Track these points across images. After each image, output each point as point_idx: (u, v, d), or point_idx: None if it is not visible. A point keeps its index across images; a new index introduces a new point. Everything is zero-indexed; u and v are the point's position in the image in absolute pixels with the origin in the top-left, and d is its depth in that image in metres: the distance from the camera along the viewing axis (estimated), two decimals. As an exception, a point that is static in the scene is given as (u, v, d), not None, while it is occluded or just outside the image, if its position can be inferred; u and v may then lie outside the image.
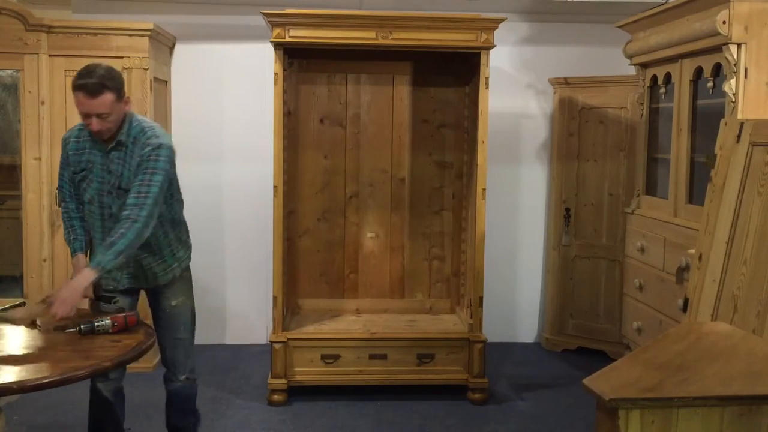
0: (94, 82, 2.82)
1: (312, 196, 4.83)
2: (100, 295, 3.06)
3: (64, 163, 3.11)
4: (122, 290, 3.13)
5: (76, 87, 2.84)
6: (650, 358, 2.23)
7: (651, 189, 4.22)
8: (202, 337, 5.29)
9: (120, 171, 2.99)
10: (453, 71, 4.75)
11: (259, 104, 4.97)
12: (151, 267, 3.14)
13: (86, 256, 3.09)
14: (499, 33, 4.11)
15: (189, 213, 4.07)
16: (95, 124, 2.87)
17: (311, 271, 4.86)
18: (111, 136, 2.96)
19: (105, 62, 4.56)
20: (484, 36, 4.04)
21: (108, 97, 2.85)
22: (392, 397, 4.23)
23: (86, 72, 2.85)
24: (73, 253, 3.09)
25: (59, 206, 4.50)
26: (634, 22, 4.09)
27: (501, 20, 4.03)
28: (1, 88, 4.74)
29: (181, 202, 3.23)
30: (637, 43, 4.12)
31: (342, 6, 4.74)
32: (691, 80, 3.65)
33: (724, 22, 3.19)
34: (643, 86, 4.20)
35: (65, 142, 3.09)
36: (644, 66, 4.17)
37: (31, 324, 2.74)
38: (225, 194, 5.19)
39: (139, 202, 2.89)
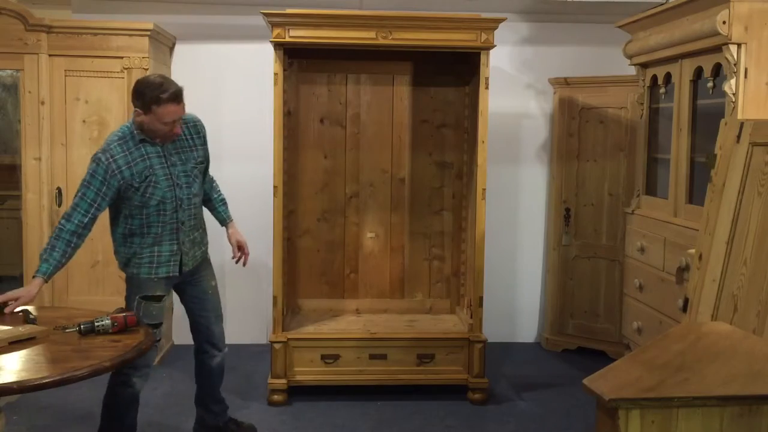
0: (180, 90, 3.12)
1: (312, 196, 4.83)
2: (147, 295, 3.25)
3: (103, 186, 3.09)
4: (169, 277, 3.32)
5: (168, 99, 3.06)
6: (650, 358, 2.23)
7: (651, 189, 4.22)
8: (202, 337, 5.31)
9: (188, 155, 3.32)
10: (453, 71, 4.75)
11: (259, 104, 4.97)
12: (201, 243, 3.47)
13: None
14: (499, 33, 4.11)
15: (189, 213, 3.87)
16: (177, 129, 3.18)
17: (311, 271, 4.87)
18: None
19: (106, 62, 4.61)
20: (484, 36, 4.04)
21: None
22: (392, 397, 4.23)
23: (163, 82, 3.09)
24: (37, 273, 3.02)
25: (59, 206, 4.51)
26: (634, 22, 4.09)
27: (501, 20, 4.03)
28: (1, 88, 4.74)
29: None
30: (637, 43, 4.12)
31: (342, 6, 4.74)
32: (691, 80, 3.65)
33: (724, 22, 3.19)
34: (643, 86, 4.20)
35: (110, 163, 3.09)
36: (644, 66, 4.17)
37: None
38: (225, 194, 5.14)
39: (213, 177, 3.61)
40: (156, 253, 3.25)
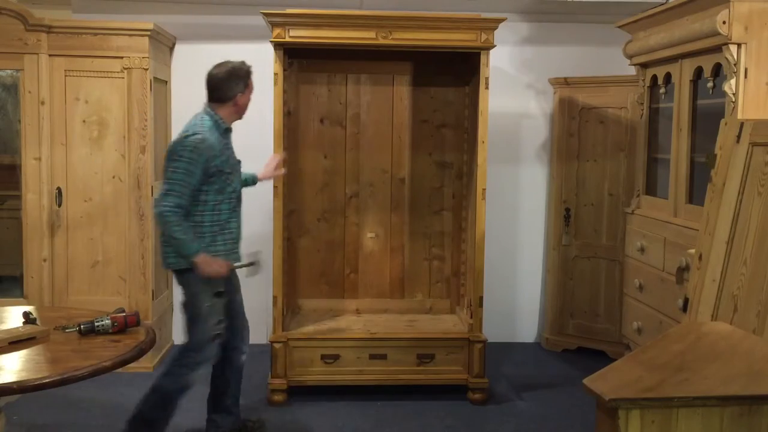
0: None
1: (312, 196, 4.83)
2: (219, 292, 3.38)
3: (202, 173, 3.20)
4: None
5: (251, 72, 3.43)
6: (650, 358, 2.23)
7: (651, 189, 4.22)
8: (202, 337, 5.30)
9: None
10: (453, 71, 4.75)
11: (259, 104, 4.94)
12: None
13: None
14: (499, 33, 4.11)
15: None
16: None
17: (311, 271, 4.87)
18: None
19: (106, 62, 4.61)
20: (484, 36, 4.04)
21: None
22: (392, 397, 4.23)
23: (229, 62, 3.45)
24: (198, 252, 3.22)
25: (59, 206, 4.50)
26: (634, 22, 4.09)
27: (501, 20, 4.03)
28: (1, 88, 4.74)
29: None
30: (637, 43, 4.12)
31: (342, 6, 4.74)
32: (691, 80, 3.65)
33: (724, 22, 3.19)
34: (643, 86, 4.20)
35: (207, 145, 3.20)
36: (644, 66, 4.17)
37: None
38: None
39: None
40: (229, 240, 3.38)
